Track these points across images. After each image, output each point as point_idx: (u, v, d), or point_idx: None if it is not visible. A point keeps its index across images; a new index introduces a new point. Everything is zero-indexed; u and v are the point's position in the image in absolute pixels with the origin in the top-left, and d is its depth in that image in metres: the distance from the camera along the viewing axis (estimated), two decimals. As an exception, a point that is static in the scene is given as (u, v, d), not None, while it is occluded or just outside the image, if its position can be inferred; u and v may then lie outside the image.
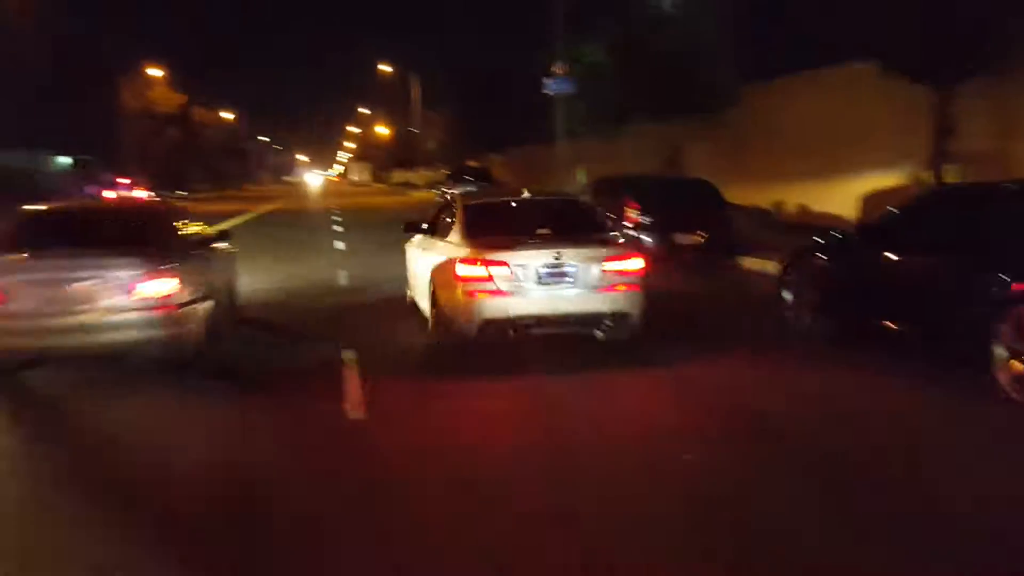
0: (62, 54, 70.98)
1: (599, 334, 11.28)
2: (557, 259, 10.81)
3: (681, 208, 19.86)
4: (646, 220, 19.65)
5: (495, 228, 11.41)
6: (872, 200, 22.11)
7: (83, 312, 9.93)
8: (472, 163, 54.60)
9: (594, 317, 11.05)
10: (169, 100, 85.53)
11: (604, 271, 10.91)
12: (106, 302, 9.98)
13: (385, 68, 78.85)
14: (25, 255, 10.37)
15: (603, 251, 11.04)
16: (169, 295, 10.21)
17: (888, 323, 10.54)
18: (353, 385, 10.02)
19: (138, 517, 6.83)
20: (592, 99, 35.08)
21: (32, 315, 9.93)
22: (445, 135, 67.09)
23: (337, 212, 43.10)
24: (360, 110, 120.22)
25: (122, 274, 10.04)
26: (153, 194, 62.75)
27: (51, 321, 9.89)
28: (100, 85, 74.88)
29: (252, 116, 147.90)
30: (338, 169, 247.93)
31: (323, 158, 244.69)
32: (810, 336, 11.96)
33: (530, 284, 10.76)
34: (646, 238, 19.19)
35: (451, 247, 11.41)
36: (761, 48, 28.08)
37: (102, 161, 75.77)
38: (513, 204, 12.40)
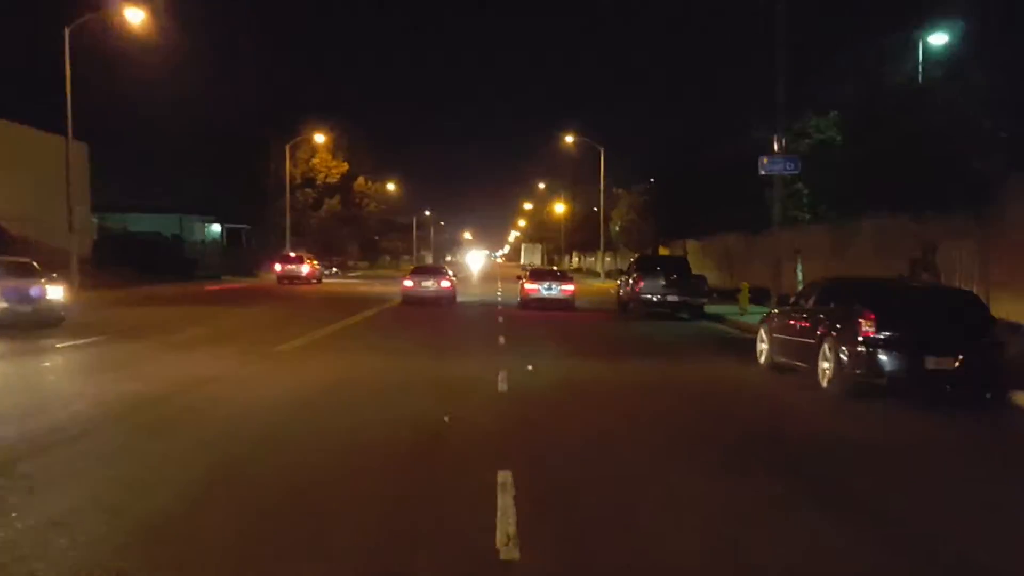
0: (233, 122, 69.49)
1: None
2: None
3: (934, 324, 15.59)
4: (884, 335, 15.43)
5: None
6: None
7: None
8: (663, 251, 49.34)
9: None
10: (331, 167, 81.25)
11: None
12: None
13: (569, 139, 73.82)
14: None
15: None
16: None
17: None
18: (508, 514, 8.39)
19: None
20: (819, 182, 29.58)
21: None
22: (635, 217, 62.24)
23: (500, 297, 42.09)
24: (538, 185, 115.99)
25: None
26: (320, 267, 62.57)
27: None
28: (264, 152, 72.62)
29: (417, 188, 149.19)
30: (505, 250, 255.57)
31: (491, 237, 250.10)
32: None
33: None
34: (883, 357, 15.29)
35: None
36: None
37: (256, 230, 73.96)
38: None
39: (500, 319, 30.73)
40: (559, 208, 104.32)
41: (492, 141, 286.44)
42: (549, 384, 15.58)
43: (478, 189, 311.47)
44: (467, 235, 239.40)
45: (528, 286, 38.13)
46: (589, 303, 40.73)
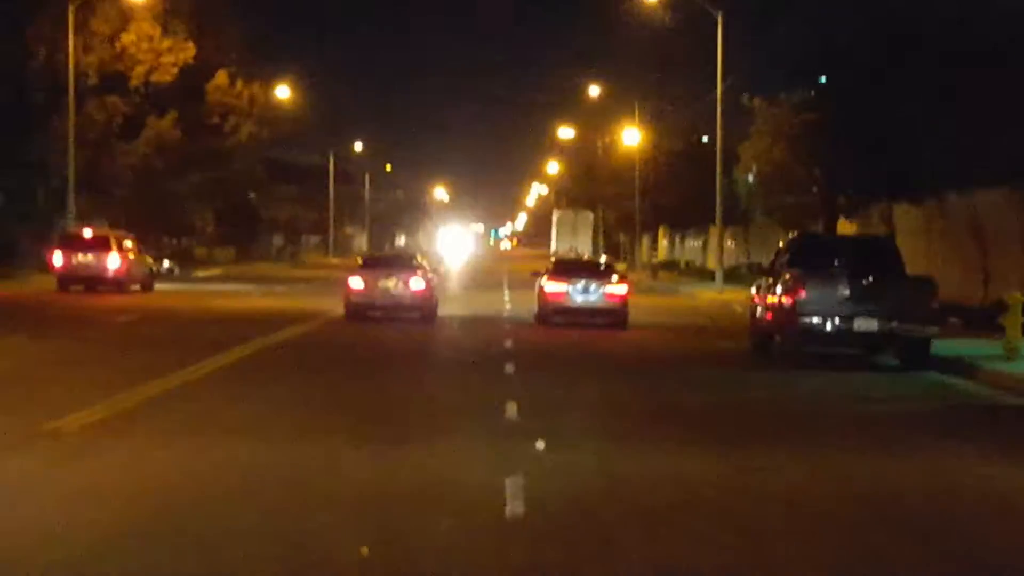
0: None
1: None
2: None
3: None
4: None
5: None
6: None
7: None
8: (844, 226, 31.91)
9: None
10: (161, 53, 48.34)
11: None
12: None
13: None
14: None
15: None
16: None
17: None
18: None
19: None
20: None
21: None
22: (785, 155, 34.91)
23: (509, 309, 31.66)
24: (587, 91, 67.96)
25: None
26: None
27: None
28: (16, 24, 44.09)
29: (384, 139, 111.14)
30: (516, 226, 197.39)
31: (493, 210, 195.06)
32: None
33: None
34: None
35: None
36: None
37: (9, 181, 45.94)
38: None
39: (509, 362, 18.70)
40: (629, 136, 60.33)
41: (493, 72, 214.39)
42: (616, 517, 8.27)
43: (474, 145, 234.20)
44: (441, 195, 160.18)
45: (551, 287, 26.37)
46: (691, 332, 26.96)
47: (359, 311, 26.45)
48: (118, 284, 35.33)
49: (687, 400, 15.05)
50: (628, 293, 26.57)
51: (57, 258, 35.63)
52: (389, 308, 26.58)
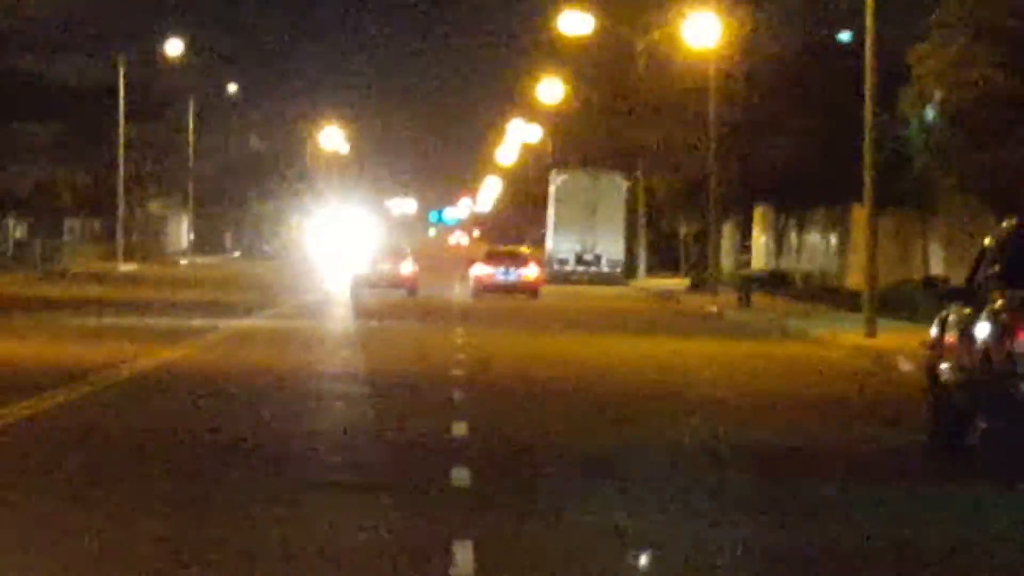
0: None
1: None
2: None
3: None
4: None
5: None
6: None
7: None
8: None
9: None
10: None
11: None
12: None
13: None
14: None
15: None
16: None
17: None
18: None
19: None
20: None
21: None
22: (998, 75, 22.54)
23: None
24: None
25: None
26: None
27: None
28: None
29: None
30: (475, 208, 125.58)
31: (435, 182, 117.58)
32: None
33: None
34: None
35: None
36: None
37: None
38: None
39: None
40: (699, 29, 36.65)
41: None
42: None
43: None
44: (335, 144, 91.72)
45: (481, 270, 43.14)
46: (812, 409, 17.78)
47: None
48: None
49: (805, 539, 8.87)
50: (539, 275, 42.91)
51: None
52: None
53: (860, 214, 29.59)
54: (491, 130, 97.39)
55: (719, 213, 40.42)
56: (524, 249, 47.31)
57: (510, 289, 41.55)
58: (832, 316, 30.94)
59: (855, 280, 31.13)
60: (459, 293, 41.57)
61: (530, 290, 41.44)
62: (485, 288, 41.59)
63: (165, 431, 13.47)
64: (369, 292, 40.51)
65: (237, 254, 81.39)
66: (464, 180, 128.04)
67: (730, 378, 20.50)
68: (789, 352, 26.36)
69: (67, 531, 7.88)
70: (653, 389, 18.62)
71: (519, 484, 10.75)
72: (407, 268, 40.99)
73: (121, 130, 51.96)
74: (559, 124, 61.58)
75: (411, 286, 41.17)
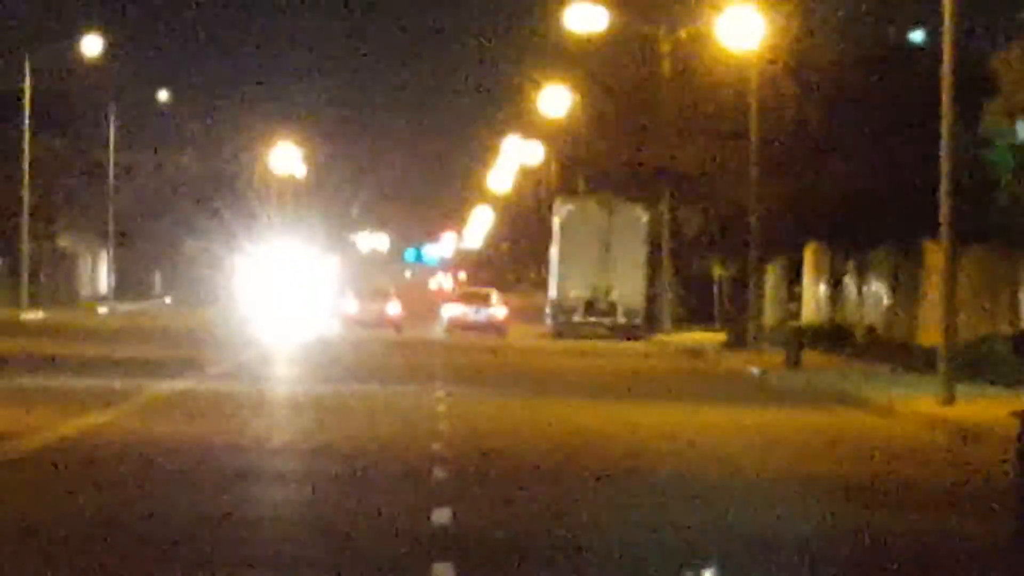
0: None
1: None
2: None
3: None
4: None
5: None
6: None
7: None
8: None
9: None
10: None
11: None
12: None
13: None
14: None
15: None
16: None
17: None
18: None
19: None
20: None
21: None
22: None
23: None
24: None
25: None
26: None
27: None
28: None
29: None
30: (460, 246, 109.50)
31: (414, 215, 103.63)
32: None
33: None
34: None
35: None
36: None
37: None
38: None
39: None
40: (737, 28, 32.61)
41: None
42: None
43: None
44: (290, 166, 79.21)
45: (454, 310, 49.76)
46: (875, 494, 14.84)
47: None
48: None
49: None
50: (506, 315, 48.51)
51: None
52: None
53: (935, 254, 27.10)
54: (482, 149, 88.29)
55: (762, 253, 36.32)
56: (493, 292, 51.47)
57: (480, 328, 47.94)
58: (900, 379, 28.96)
59: (928, 335, 28.77)
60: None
61: (497, 329, 47.36)
62: (456, 326, 48.68)
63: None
64: (351, 331, 44.61)
65: (168, 300, 72.47)
66: (448, 210, 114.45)
67: (775, 459, 18.05)
68: (848, 424, 23.79)
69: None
70: (676, 471, 15.77)
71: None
72: (394, 309, 49.02)
73: (27, 146, 44.71)
74: (565, 142, 56.03)
75: (396, 325, 48.61)
